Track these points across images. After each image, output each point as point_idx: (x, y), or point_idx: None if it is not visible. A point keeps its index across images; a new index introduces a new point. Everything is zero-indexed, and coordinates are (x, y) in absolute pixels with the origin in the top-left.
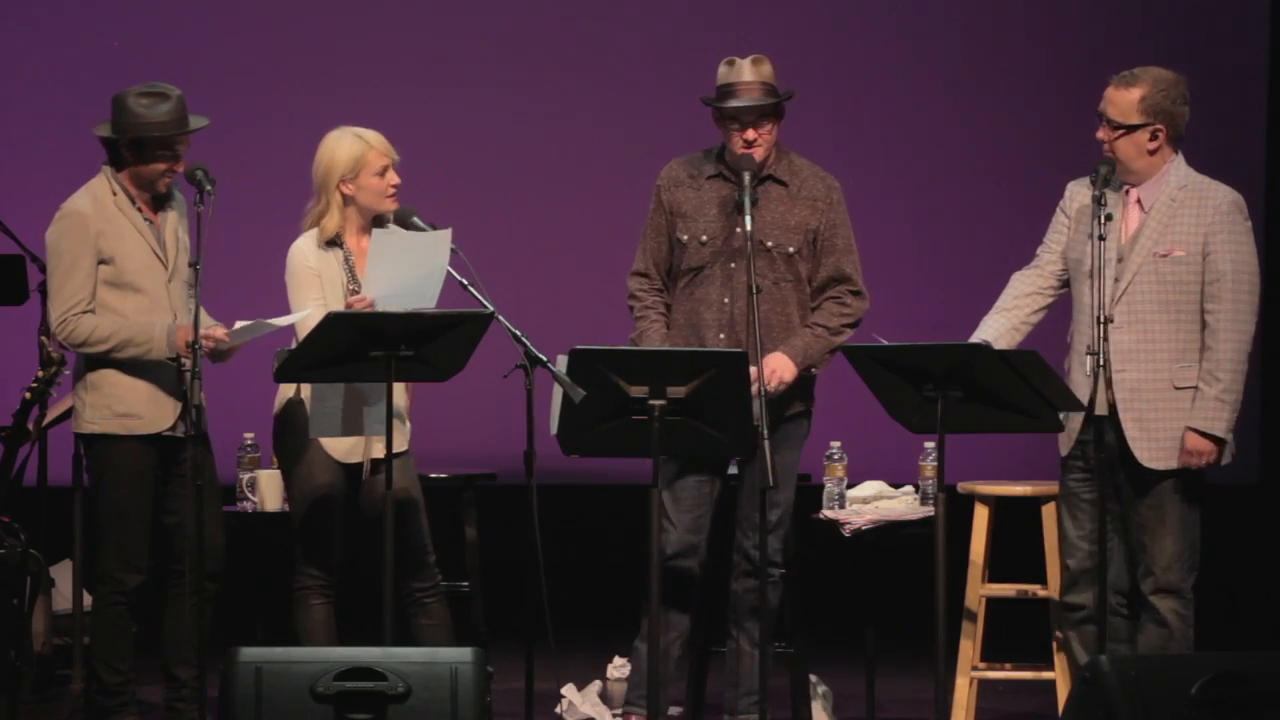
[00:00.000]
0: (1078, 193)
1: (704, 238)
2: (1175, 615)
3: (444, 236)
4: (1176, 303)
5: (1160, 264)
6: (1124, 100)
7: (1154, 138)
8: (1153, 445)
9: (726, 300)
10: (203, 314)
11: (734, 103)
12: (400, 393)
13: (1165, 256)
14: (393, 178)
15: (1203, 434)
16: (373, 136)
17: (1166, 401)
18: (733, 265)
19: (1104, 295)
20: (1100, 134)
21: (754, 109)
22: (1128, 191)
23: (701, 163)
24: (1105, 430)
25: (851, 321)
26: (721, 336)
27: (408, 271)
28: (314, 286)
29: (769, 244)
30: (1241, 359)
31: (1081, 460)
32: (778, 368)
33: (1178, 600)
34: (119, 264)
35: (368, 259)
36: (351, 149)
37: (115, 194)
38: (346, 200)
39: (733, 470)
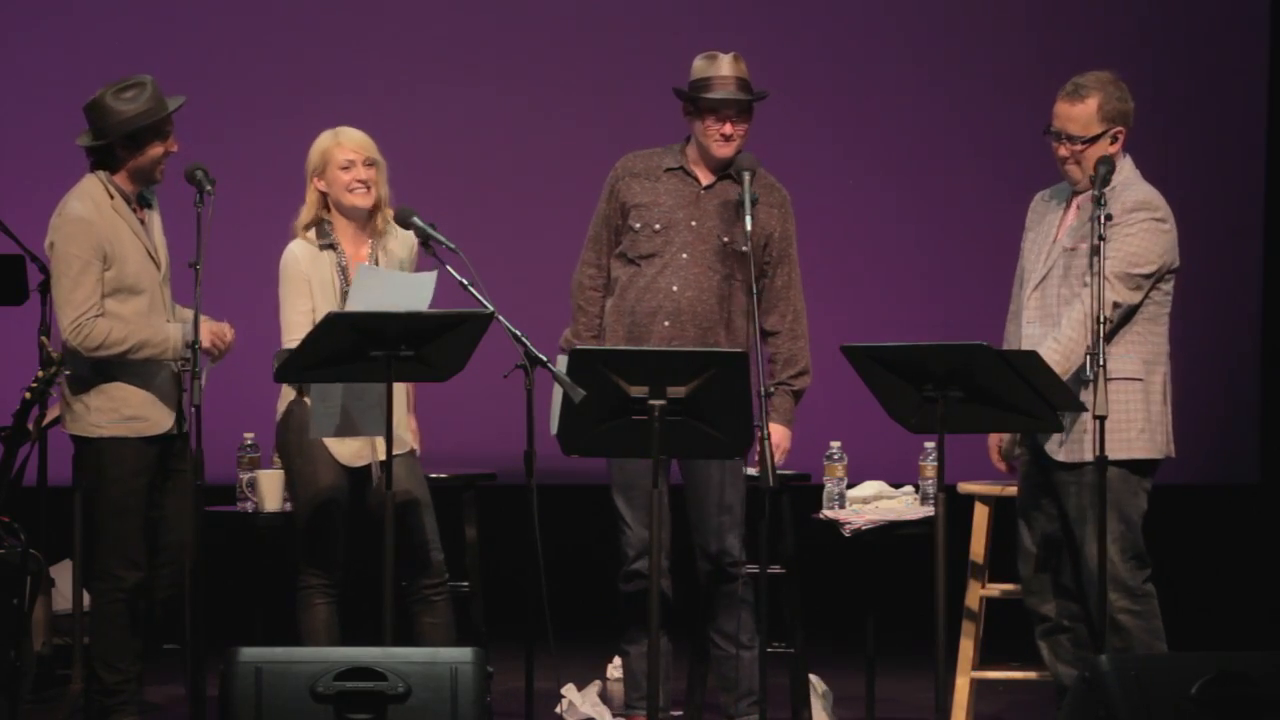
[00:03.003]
0: (1034, 204)
1: (657, 226)
2: (1127, 614)
3: (429, 279)
4: (1080, 295)
5: (1068, 257)
6: (1083, 113)
7: (1114, 140)
8: (1065, 439)
9: (675, 289)
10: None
11: (719, 94)
12: (400, 395)
13: (1072, 250)
14: (359, 173)
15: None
16: (346, 133)
17: (1082, 396)
18: (684, 256)
19: (1101, 295)
20: (1062, 150)
21: (734, 103)
22: (1071, 198)
23: (660, 156)
24: (1100, 432)
25: (803, 366)
26: (666, 324)
27: (389, 307)
28: (303, 293)
29: (725, 239)
30: (1078, 340)
31: (1028, 466)
32: (779, 441)
33: (1128, 597)
34: (120, 267)
35: (351, 288)
36: (321, 144)
37: (113, 197)
38: (324, 197)
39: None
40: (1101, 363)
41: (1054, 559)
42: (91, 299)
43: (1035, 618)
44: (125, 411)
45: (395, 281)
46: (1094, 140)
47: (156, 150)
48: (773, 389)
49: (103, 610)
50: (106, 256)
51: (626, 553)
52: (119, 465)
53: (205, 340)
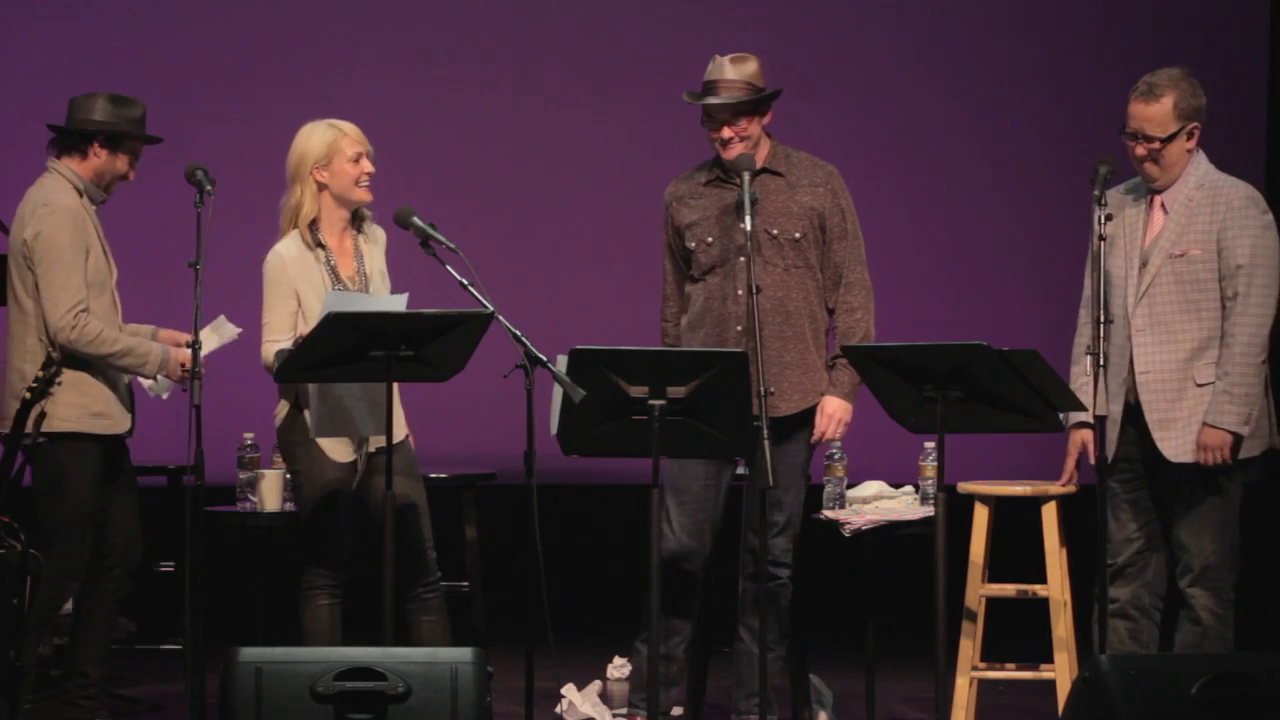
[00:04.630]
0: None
1: (709, 239)
2: (1210, 614)
3: (399, 301)
4: (1197, 302)
5: (1177, 264)
6: (1159, 113)
7: (1190, 136)
8: (1179, 441)
9: (740, 292)
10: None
11: (709, 100)
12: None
13: (1181, 256)
14: (366, 165)
15: (1214, 427)
16: (347, 125)
17: (1189, 398)
18: (741, 259)
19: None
20: (1139, 150)
21: (726, 106)
22: (1152, 198)
23: (699, 173)
24: (1100, 432)
25: (860, 338)
26: (738, 329)
27: None
28: (288, 295)
29: (774, 232)
30: (1254, 351)
31: (1124, 461)
32: (835, 413)
33: (1215, 599)
34: (93, 261)
35: (323, 310)
36: (325, 135)
37: (81, 195)
38: (321, 189)
39: (742, 470)
40: (1102, 363)
41: (1145, 551)
42: (84, 290)
43: (1099, 602)
44: (93, 408)
45: (365, 305)
46: (1172, 138)
47: (123, 164)
48: (831, 363)
49: (108, 607)
50: (87, 249)
51: (663, 553)
52: (81, 469)
53: (175, 372)
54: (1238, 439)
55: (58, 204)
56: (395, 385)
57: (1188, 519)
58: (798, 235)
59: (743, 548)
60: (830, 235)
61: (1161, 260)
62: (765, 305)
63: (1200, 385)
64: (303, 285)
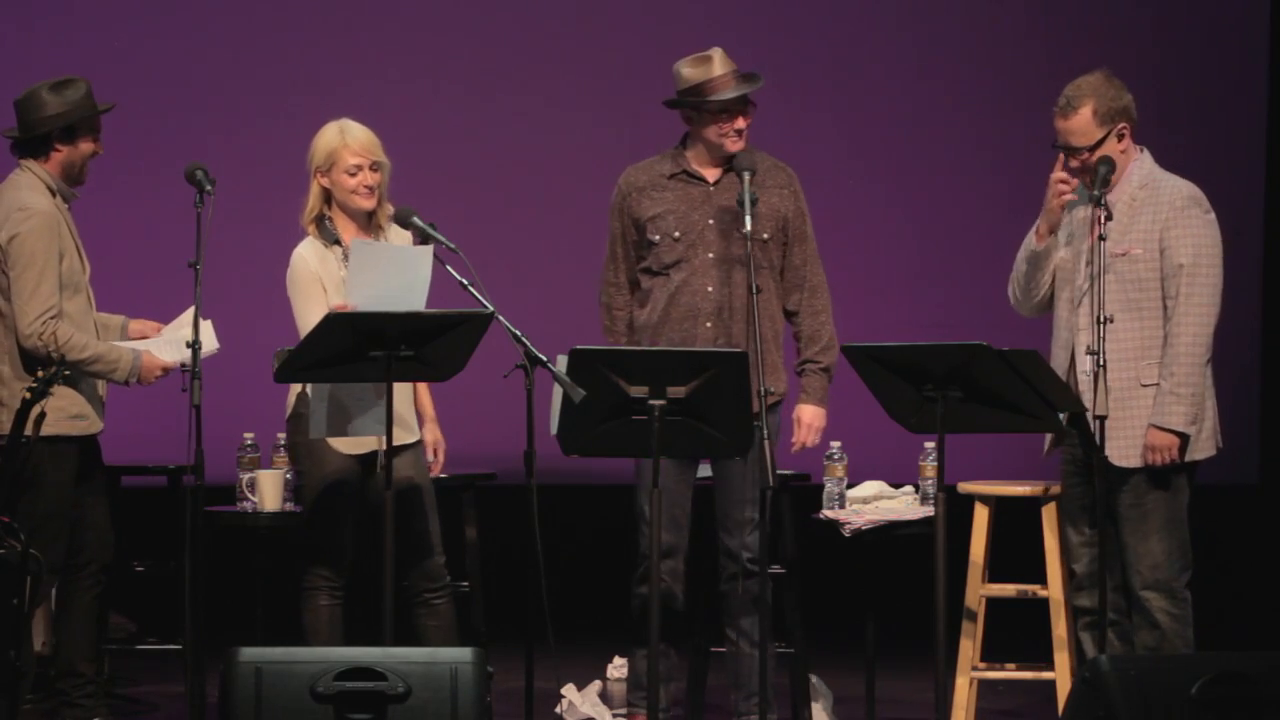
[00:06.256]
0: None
1: (676, 233)
2: (1166, 615)
3: (425, 252)
4: (1138, 301)
5: (1119, 263)
6: (1079, 124)
7: (1121, 137)
8: (1123, 444)
9: (711, 289)
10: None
11: (729, 94)
12: (405, 394)
13: (1123, 255)
14: (366, 178)
15: (1160, 429)
16: (354, 133)
17: (1134, 399)
18: (711, 255)
19: (1101, 295)
20: (1073, 163)
21: (744, 96)
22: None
23: (658, 165)
24: (1100, 432)
25: (827, 340)
26: (709, 325)
27: (389, 281)
28: (317, 294)
29: (743, 232)
30: (1198, 351)
31: (1072, 464)
32: (813, 421)
33: (1169, 599)
34: (68, 262)
35: (349, 266)
36: (328, 141)
37: (54, 194)
38: (326, 193)
39: (705, 472)
40: (1101, 363)
41: (1105, 555)
42: (55, 296)
43: (1079, 611)
44: (71, 410)
45: (392, 255)
46: (1099, 145)
47: (87, 146)
48: (800, 369)
49: (87, 604)
50: (61, 254)
51: (644, 552)
52: (60, 469)
53: (148, 377)
54: (1185, 439)
55: (34, 208)
56: (424, 388)
57: (1134, 521)
58: (766, 236)
59: (719, 550)
60: (791, 237)
61: (1105, 259)
62: (723, 302)
63: (1145, 386)
64: (325, 280)
